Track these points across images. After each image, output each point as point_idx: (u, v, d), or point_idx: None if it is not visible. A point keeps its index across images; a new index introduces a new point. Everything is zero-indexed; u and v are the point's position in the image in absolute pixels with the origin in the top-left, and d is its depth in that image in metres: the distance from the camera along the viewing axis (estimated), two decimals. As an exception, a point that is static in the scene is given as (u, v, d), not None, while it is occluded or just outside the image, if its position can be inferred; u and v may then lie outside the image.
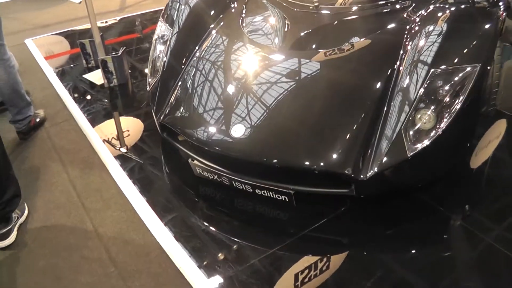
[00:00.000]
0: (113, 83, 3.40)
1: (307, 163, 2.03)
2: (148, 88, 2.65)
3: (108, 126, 3.01)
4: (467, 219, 2.08)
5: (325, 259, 1.96)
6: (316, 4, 2.66)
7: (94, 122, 3.04)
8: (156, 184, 2.46)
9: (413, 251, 1.98)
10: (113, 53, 3.39)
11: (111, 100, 3.32)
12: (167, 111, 2.47)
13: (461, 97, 1.98)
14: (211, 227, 2.15)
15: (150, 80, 2.67)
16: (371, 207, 2.17)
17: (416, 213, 2.16)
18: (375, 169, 1.95)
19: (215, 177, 2.30)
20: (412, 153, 1.93)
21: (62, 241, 2.13)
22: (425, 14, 2.36)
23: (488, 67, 2.07)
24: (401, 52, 2.22)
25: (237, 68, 2.45)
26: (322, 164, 2.00)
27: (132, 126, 3.00)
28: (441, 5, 2.39)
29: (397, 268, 1.88)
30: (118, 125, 3.04)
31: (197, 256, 1.99)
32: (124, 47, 3.46)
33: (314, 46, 2.44)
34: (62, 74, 3.76)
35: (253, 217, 2.20)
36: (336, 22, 2.58)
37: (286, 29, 2.60)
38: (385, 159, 1.96)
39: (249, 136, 2.14)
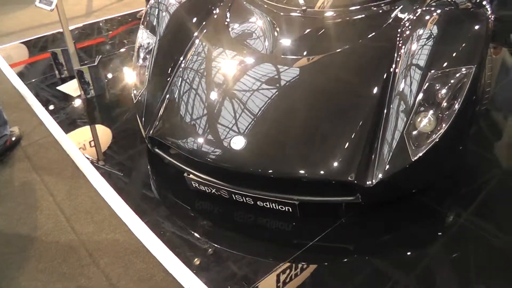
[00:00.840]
0: (90, 94, 3.24)
1: (310, 172, 1.98)
2: (134, 100, 2.52)
3: (90, 141, 2.88)
4: (466, 219, 2.10)
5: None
6: (303, 8, 2.61)
7: (78, 141, 2.89)
8: (151, 202, 2.35)
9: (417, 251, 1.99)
10: (89, 62, 3.22)
11: (90, 113, 3.16)
12: (157, 125, 2.36)
13: (459, 99, 1.98)
14: (215, 244, 2.07)
15: (135, 91, 2.54)
16: (372, 212, 2.16)
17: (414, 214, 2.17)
18: (380, 176, 1.92)
19: (213, 190, 2.21)
20: (415, 157, 1.92)
21: (55, 271, 1.99)
22: (414, 18, 2.35)
23: (483, 68, 2.08)
24: (396, 55, 2.20)
25: (231, 77, 2.37)
26: (325, 172, 1.96)
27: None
28: (428, 8, 2.39)
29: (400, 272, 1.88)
30: (95, 139, 2.91)
31: (203, 275, 1.90)
32: (100, 56, 3.30)
33: (306, 51, 2.39)
34: (33, 86, 3.55)
35: (255, 230, 2.14)
36: (325, 26, 2.54)
37: (276, 34, 2.53)
38: (389, 165, 1.93)
39: (249, 147, 2.07)
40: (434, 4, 2.46)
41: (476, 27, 2.17)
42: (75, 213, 2.29)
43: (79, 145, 2.80)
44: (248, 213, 2.20)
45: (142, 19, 2.79)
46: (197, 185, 2.25)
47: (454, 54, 2.08)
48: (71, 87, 3.40)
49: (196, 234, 2.13)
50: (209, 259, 1.99)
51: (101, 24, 4.94)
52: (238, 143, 2.08)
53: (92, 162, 2.63)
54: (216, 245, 2.07)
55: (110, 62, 3.90)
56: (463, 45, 2.11)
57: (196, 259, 1.99)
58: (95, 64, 3.14)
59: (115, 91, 3.41)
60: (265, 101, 2.22)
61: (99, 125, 3.04)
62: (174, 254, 2.01)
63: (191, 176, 2.24)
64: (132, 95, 2.55)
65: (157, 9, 2.79)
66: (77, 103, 3.27)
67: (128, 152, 2.75)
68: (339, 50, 2.33)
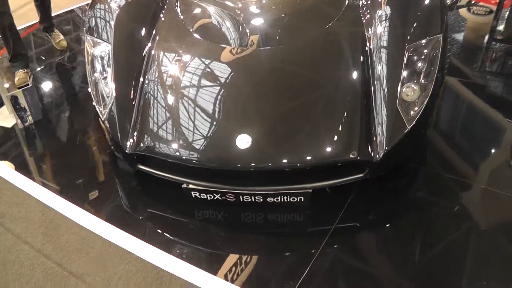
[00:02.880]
0: (28, 121, 2.83)
1: (320, 157, 1.99)
2: (101, 117, 2.27)
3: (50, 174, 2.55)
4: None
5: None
6: (260, -3, 2.58)
7: (28, 173, 2.53)
8: (148, 222, 2.17)
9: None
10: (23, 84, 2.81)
11: (32, 144, 2.79)
12: (137, 141, 2.16)
13: (436, 66, 2.14)
14: (235, 251, 1.99)
15: (100, 108, 2.29)
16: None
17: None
18: (385, 148, 2.00)
19: (217, 196, 2.11)
20: (411, 124, 2.04)
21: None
22: (369, 1, 2.46)
23: (447, 36, 2.27)
24: (367, 35, 2.29)
25: (212, 76, 2.26)
26: (335, 155, 1.99)
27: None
28: None
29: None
30: (49, 169, 2.58)
31: (239, 283, 1.82)
32: (31, 74, 2.90)
33: (280, 40, 2.36)
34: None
35: (269, 228, 2.09)
36: (288, 14, 2.54)
37: (241, 27, 2.46)
38: (390, 136, 2.02)
39: (254, 144, 2.00)
40: None
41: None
42: (65, 255, 2.01)
43: (38, 181, 2.46)
44: (256, 212, 2.14)
45: (86, 27, 2.51)
46: (197, 194, 2.12)
47: (421, 27, 2.23)
48: (2, 118, 2.94)
49: (210, 244, 2.03)
50: (237, 267, 1.91)
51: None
52: (242, 141, 2.00)
53: (62, 197, 2.32)
54: (236, 252, 1.98)
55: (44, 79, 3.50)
56: (426, 17, 2.27)
57: (222, 269, 1.89)
58: (30, 85, 2.75)
59: (56, 112, 3.06)
60: (255, 95, 2.17)
61: (47, 153, 2.71)
62: (199, 268, 1.89)
63: (190, 186, 2.10)
64: (98, 111, 2.29)
65: (100, 16, 2.53)
66: (14, 135, 2.85)
67: (99, 176, 2.52)
68: (312, 36, 2.36)
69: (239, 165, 1.99)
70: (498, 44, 3.82)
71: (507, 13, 4.27)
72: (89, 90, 2.38)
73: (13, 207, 2.30)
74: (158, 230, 2.12)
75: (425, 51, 2.16)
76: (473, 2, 4.81)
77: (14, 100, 2.72)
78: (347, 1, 2.57)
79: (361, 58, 2.24)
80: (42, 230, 2.15)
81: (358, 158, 1.99)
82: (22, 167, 2.58)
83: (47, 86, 3.44)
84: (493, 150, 2.57)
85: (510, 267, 1.84)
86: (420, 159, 2.43)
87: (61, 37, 3.75)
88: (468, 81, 3.24)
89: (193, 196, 2.13)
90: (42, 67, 3.66)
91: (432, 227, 2.05)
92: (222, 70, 2.29)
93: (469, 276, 1.81)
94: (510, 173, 2.38)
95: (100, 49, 2.40)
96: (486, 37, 3.87)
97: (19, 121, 2.80)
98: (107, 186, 2.45)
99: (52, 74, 3.60)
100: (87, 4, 4.87)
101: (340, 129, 2.06)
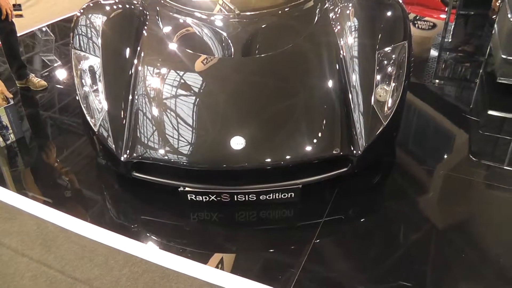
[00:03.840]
0: (10, 139, 2.82)
1: (306, 155, 2.17)
2: (95, 129, 2.33)
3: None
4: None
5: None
6: (237, 12, 2.76)
7: (17, 188, 2.54)
8: (146, 226, 2.24)
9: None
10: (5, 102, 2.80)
11: (17, 161, 2.79)
12: (132, 148, 2.24)
13: (403, 69, 2.40)
14: (230, 250, 2.11)
15: (92, 120, 2.35)
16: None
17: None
18: (365, 143, 2.21)
19: (213, 197, 2.22)
20: (386, 121, 2.27)
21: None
22: (337, 15, 2.69)
23: (411, 43, 2.54)
24: (341, 43, 2.53)
25: (200, 84, 2.40)
26: (322, 151, 2.18)
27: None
28: (345, 4, 2.74)
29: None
30: (35, 182, 2.59)
31: (241, 273, 1.94)
32: (11, 90, 2.90)
33: (261, 50, 2.55)
34: None
35: (264, 225, 2.23)
36: (267, 25, 2.75)
37: (223, 38, 2.63)
38: (369, 132, 2.24)
39: (248, 144, 2.14)
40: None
41: (393, 9, 2.62)
42: (67, 263, 2.04)
43: (30, 196, 2.47)
44: (249, 211, 2.27)
45: (73, 42, 2.58)
46: (193, 196, 2.23)
47: (387, 35, 2.49)
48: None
49: (208, 242, 2.14)
50: (240, 259, 2.03)
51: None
52: (234, 143, 2.14)
53: (57, 209, 2.35)
54: (234, 248, 2.12)
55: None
56: (390, 26, 2.54)
57: (228, 262, 2.01)
58: (12, 103, 2.76)
59: (38, 129, 3.07)
60: (242, 100, 2.34)
61: (34, 168, 2.73)
62: (205, 264, 1.99)
63: (187, 189, 2.20)
64: (90, 123, 2.35)
65: (85, 31, 2.61)
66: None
67: (88, 187, 2.56)
68: (291, 44, 2.56)
69: (233, 165, 2.13)
70: (448, 53, 4.22)
71: (453, 26, 4.74)
72: (79, 102, 2.43)
73: (5, 223, 2.29)
74: (156, 234, 2.20)
75: (393, 56, 2.42)
76: (418, 17, 5.27)
77: (-3, 118, 2.72)
78: (317, 15, 2.82)
79: (337, 65, 2.46)
80: (40, 241, 2.16)
81: (341, 153, 2.19)
82: (9, 184, 2.58)
83: (27, 103, 3.45)
84: (452, 141, 2.91)
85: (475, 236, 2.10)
86: (393, 153, 2.69)
87: (38, 78, 3.68)
88: (426, 85, 3.59)
89: (189, 198, 2.23)
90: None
91: (408, 213, 2.28)
92: (210, 78, 2.44)
93: (444, 254, 2.03)
94: (468, 160, 2.69)
95: (88, 63, 2.48)
96: (432, 49, 4.28)
97: (1, 139, 2.79)
98: (97, 196, 2.52)
99: (31, 90, 3.60)
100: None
101: (323, 128, 2.25)
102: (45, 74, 3.94)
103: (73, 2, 6.10)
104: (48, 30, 5.05)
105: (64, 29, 5.13)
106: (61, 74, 3.95)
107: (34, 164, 2.78)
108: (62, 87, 3.69)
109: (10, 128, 2.79)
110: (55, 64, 4.10)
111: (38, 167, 2.76)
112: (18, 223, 2.28)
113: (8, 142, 2.83)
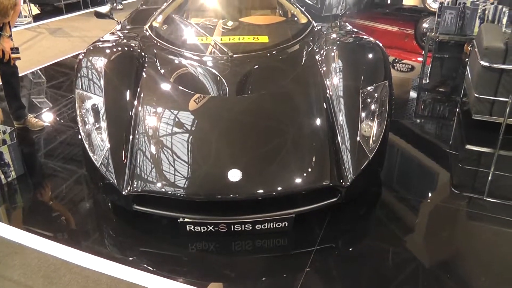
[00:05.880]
0: (11, 176, 2.91)
1: (298, 186, 2.32)
2: (97, 164, 2.44)
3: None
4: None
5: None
6: (230, 54, 2.99)
7: (17, 224, 2.60)
8: (147, 258, 2.32)
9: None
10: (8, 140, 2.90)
11: (16, 199, 2.86)
12: (133, 182, 2.35)
13: (385, 106, 2.62)
14: (228, 278, 2.20)
15: (95, 156, 2.47)
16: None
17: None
18: (353, 175, 2.38)
19: (210, 228, 2.32)
20: (372, 154, 2.45)
21: None
22: (323, 57, 2.94)
23: (391, 82, 2.77)
24: (327, 83, 2.75)
25: (199, 121, 2.58)
26: (314, 182, 2.34)
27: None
28: (330, 47, 3.01)
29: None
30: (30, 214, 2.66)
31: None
32: (13, 128, 3.01)
33: (254, 89, 2.75)
34: None
35: (259, 254, 2.34)
36: (256, 67, 2.96)
37: (219, 78, 2.83)
38: (356, 165, 2.41)
39: (243, 177, 2.28)
40: (333, 40, 3.11)
41: (374, 52, 2.88)
42: (71, 295, 2.09)
43: (31, 231, 2.53)
44: (245, 240, 2.38)
45: (76, 82, 2.74)
46: (192, 227, 2.32)
47: (369, 75, 2.73)
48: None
49: (211, 270, 2.23)
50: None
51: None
52: (232, 175, 2.28)
53: (58, 242, 2.42)
54: (231, 276, 2.20)
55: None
56: (372, 67, 2.79)
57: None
58: (15, 140, 2.87)
59: (37, 166, 3.17)
60: (238, 136, 2.51)
61: (34, 204, 2.79)
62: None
63: (186, 220, 2.31)
64: (92, 159, 2.46)
65: (88, 73, 2.78)
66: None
67: (88, 220, 2.64)
68: (281, 85, 2.77)
69: (230, 196, 2.26)
70: (426, 93, 4.51)
71: (429, 68, 5.06)
72: (81, 139, 2.55)
73: (5, 257, 2.34)
74: (157, 263, 2.27)
75: (376, 94, 2.64)
76: (396, 60, 5.62)
77: (-1, 156, 2.82)
78: (304, 57, 3.06)
79: (324, 104, 2.66)
80: (42, 273, 2.22)
81: (331, 184, 2.34)
82: (10, 219, 2.64)
83: (27, 141, 3.56)
84: (433, 174, 3.11)
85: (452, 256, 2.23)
86: (379, 185, 2.86)
87: (35, 119, 3.81)
88: (408, 123, 3.82)
89: (188, 229, 2.33)
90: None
91: (395, 242, 2.41)
92: (207, 116, 2.61)
93: (430, 279, 2.16)
94: (449, 191, 2.87)
95: (91, 102, 2.63)
96: (411, 90, 4.58)
97: (2, 176, 2.87)
98: (98, 228, 2.59)
99: (29, 130, 3.71)
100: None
101: (314, 161, 2.42)
102: (40, 115, 4.07)
103: (67, 46, 6.36)
104: (40, 72, 5.24)
105: (55, 73, 5.31)
106: (55, 115, 4.07)
107: (34, 200, 2.85)
108: (58, 127, 3.82)
109: (11, 166, 2.88)
110: (46, 107, 4.23)
111: (38, 202, 2.83)
112: (20, 257, 2.34)
113: (9, 179, 2.91)
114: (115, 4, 8.91)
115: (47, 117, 3.98)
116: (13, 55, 3.39)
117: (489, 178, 3.01)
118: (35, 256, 2.34)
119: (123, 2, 9.21)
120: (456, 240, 2.46)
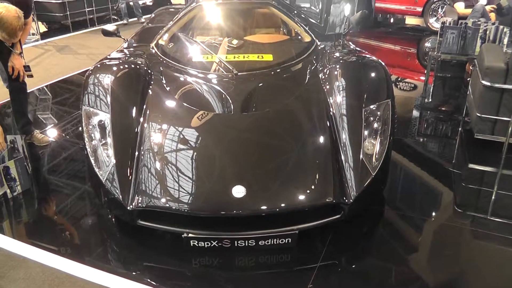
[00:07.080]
0: (17, 191, 2.94)
1: (302, 203, 2.34)
2: (102, 179, 2.47)
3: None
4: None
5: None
6: (235, 72, 3.04)
7: (21, 237, 2.63)
8: (146, 271, 2.33)
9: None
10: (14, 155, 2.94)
11: (21, 213, 2.88)
12: (138, 198, 2.37)
13: (387, 124, 2.65)
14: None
15: (100, 172, 2.50)
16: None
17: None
18: (356, 192, 2.39)
19: (214, 243, 2.33)
20: (375, 172, 2.47)
21: None
22: (327, 75, 2.99)
23: (394, 101, 2.81)
24: (330, 101, 2.79)
25: (204, 137, 2.61)
26: (317, 199, 2.36)
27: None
28: (333, 65, 3.05)
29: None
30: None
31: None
32: (22, 142, 3.06)
33: (259, 106, 2.80)
34: None
35: (263, 270, 2.34)
36: (260, 84, 3.02)
37: (224, 96, 2.88)
38: (359, 182, 2.43)
39: (247, 193, 2.30)
40: (336, 58, 3.17)
41: (377, 70, 2.93)
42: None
43: (35, 244, 2.55)
44: (248, 256, 2.39)
45: (83, 99, 2.80)
46: (196, 242, 2.33)
47: (372, 94, 2.77)
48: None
49: (214, 285, 2.22)
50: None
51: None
52: (237, 191, 2.30)
53: (61, 255, 2.43)
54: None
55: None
56: (375, 86, 2.83)
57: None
58: (21, 156, 2.90)
59: (43, 181, 3.20)
60: (244, 152, 2.54)
61: (39, 218, 2.81)
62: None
63: (190, 235, 2.32)
64: (98, 174, 2.49)
65: (95, 90, 2.83)
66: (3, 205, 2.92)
67: (92, 234, 2.65)
68: (286, 102, 2.81)
69: (234, 212, 2.27)
70: (428, 112, 4.54)
71: (432, 87, 5.11)
72: (87, 155, 2.59)
73: (10, 270, 2.36)
74: (161, 278, 2.27)
75: (378, 113, 2.67)
76: (399, 79, 5.68)
77: (6, 171, 2.84)
78: (307, 75, 3.11)
79: (328, 122, 2.69)
80: (46, 287, 2.23)
81: (334, 201, 2.35)
82: (15, 233, 2.67)
83: (33, 156, 3.58)
84: (436, 193, 3.12)
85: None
86: (382, 203, 2.87)
87: (41, 134, 3.85)
88: (410, 142, 3.85)
89: (192, 244, 2.34)
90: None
91: (398, 259, 2.42)
92: (212, 133, 2.65)
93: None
94: (453, 210, 2.87)
95: (98, 118, 2.68)
96: (414, 109, 4.62)
97: (8, 190, 2.90)
98: (101, 242, 2.60)
99: (35, 146, 3.75)
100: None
101: (317, 179, 2.44)
102: (46, 131, 4.12)
103: (74, 63, 6.46)
104: (46, 89, 5.32)
105: (60, 89, 5.39)
106: (60, 131, 4.12)
107: (39, 214, 2.87)
108: (63, 143, 3.86)
109: (17, 180, 2.92)
110: (51, 123, 4.28)
111: (43, 217, 2.85)
112: (24, 271, 2.35)
113: (15, 193, 2.94)
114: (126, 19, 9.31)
115: (53, 133, 4.04)
116: (26, 73, 3.46)
117: (493, 197, 3.01)
118: (40, 270, 2.35)
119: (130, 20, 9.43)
120: (460, 259, 2.46)
